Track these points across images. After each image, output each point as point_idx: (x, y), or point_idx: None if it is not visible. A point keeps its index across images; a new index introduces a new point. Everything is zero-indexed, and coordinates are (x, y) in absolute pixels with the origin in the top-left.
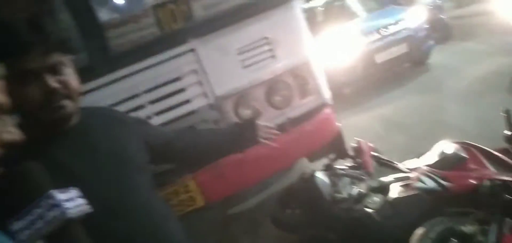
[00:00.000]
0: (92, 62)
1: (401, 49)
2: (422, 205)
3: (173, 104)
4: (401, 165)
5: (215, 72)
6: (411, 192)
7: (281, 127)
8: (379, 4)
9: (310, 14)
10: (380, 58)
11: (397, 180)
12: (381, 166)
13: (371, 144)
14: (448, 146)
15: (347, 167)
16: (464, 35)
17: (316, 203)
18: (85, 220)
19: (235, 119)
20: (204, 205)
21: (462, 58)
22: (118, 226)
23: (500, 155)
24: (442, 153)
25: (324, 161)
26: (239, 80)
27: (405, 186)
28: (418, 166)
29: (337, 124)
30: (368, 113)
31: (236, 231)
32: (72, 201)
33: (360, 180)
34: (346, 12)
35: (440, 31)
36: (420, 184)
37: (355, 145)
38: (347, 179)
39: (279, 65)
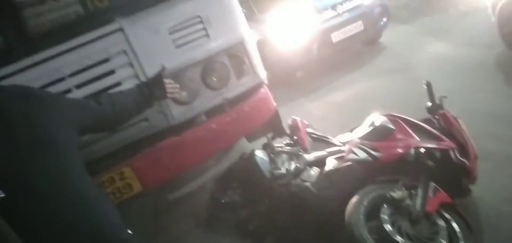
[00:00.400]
0: (7, 45)
1: (357, 27)
2: (355, 175)
3: (102, 87)
4: (334, 140)
5: (146, 53)
6: (344, 164)
7: (219, 108)
8: None
9: None
10: (336, 37)
11: (332, 153)
12: (316, 141)
13: (305, 122)
14: (377, 119)
15: (284, 145)
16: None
17: (256, 181)
18: (5, 204)
19: (169, 102)
20: (142, 191)
21: (411, 38)
22: (42, 209)
23: (423, 124)
24: (372, 125)
25: (263, 140)
26: (172, 60)
27: (339, 158)
28: (350, 139)
29: (274, 103)
30: (324, 100)
31: (177, 216)
32: None
33: (297, 156)
34: None
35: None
36: (352, 156)
37: (291, 123)
38: (285, 156)
39: (214, 45)
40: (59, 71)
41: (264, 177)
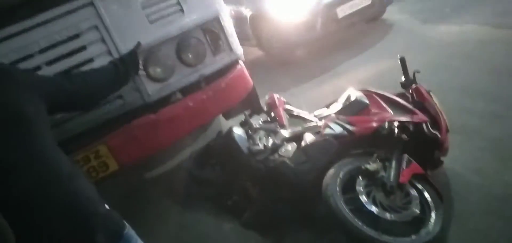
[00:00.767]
0: None
1: (365, 1)
2: (331, 148)
3: (73, 64)
4: (311, 115)
5: (118, 28)
6: (321, 138)
7: (196, 85)
8: None
9: None
10: (343, 11)
11: (308, 129)
12: (293, 117)
13: (282, 98)
14: (352, 94)
15: (262, 121)
16: None
17: (234, 157)
18: None
19: (144, 79)
20: (118, 170)
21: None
22: (18, 185)
23: (397, 99)
24: (347, 100)
25: (240, 118)
26: (146, 36)
27: (316, 133)
28: (327, 114)
29: (251, 80)
30: (332, 85)
31: (155, 194)
32: None
33: (275, 132)
34: None
35: None
36: (328, 130)
37: (268, 100)
38: (262, 132)
39: (188, 20)
40: (27, 47)
41: (242, 153)
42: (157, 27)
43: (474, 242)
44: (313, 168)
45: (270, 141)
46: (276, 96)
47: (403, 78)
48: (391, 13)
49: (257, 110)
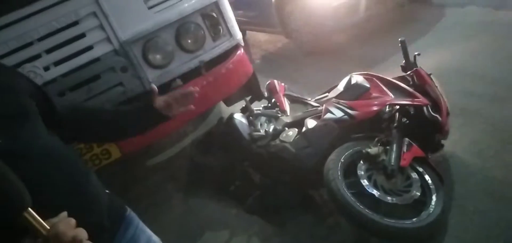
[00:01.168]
0: None
1: None
2: (332, 133)
3: (73, 51)
4: (312, 100)
5: (117, 14)
6: (322, 123)
7: (195, 71)
8: None
9: None
10: None
11: (309, 114)
12: (294, 103)
13: (282, 84)
14: (353, 78)
15: (263, 107)
16: None
17: (236, 143)
18: None
19: (144, 66)
20: (121, 157)
21: None
22: (27, 174)
23: (398, 82)
24: (348, 84)
25: (241, 104)
26: (144, 22)
27: (317, 118)
28: (327, 99)
29: (251, 65)
30: None
31: (157, 182)
32: None
33: (276, 118)
34: None
35: None
36: (329, 115)
37: (268, 85)
38: (263, 118)
39: (187, 5)
40: (27, 35)
41: (244, 139)
42: (155, 12)
43: (475, 223)
44: (315, 152)
45: (271, 127)
46: (276, 81)
47: (404, 61)
48: None
49: (258, 96)
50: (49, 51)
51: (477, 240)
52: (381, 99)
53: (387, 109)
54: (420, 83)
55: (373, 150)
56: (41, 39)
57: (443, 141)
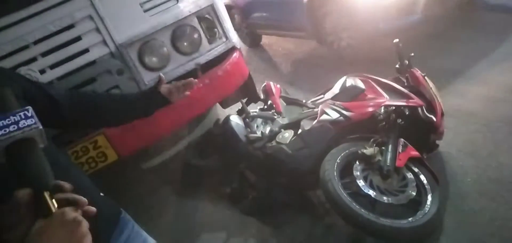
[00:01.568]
0: None
1: None
2: (328, 134)
3: (69, 54)
4: (308, 102)
5: (113, 17)
6: (317, 124)
7: (192, 74)
8: None
9: None
10: None
11: (305, 115)
12: (290, 105)
13: (278, 86)
14: (348, 79)
15: (259, 109)
16: None
17: (232, 145)
18: None
19: (140, 69)
20: (117, 160)
21: None
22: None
23: (393, 84)
24: (343, 86)
25: (237, 106)
26: (140, 25)
27: (312, 119)
28: (323, 101)
29: (247, 67)
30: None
31: (153, 184)
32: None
33: (272, 119)
34: None
35: None
36: (325, 116)
37: (264, 87)
38: (259, 120)
39: (183, 8)
40: (22, 38)
41: (240, 141)
42: (151, 15)
43: (470, 223)
44: (311, 154)
45: (268, 129)
46: (272, 83)
47: (398, 63)
48: None
49: (254, 98)
50: (45, 54)
51: (472, 239)
52: (376, 101)
53: (382, 111)
54: (415, 84)
55: (368, 150)
56: (36, 42)
57: (438, 142)
